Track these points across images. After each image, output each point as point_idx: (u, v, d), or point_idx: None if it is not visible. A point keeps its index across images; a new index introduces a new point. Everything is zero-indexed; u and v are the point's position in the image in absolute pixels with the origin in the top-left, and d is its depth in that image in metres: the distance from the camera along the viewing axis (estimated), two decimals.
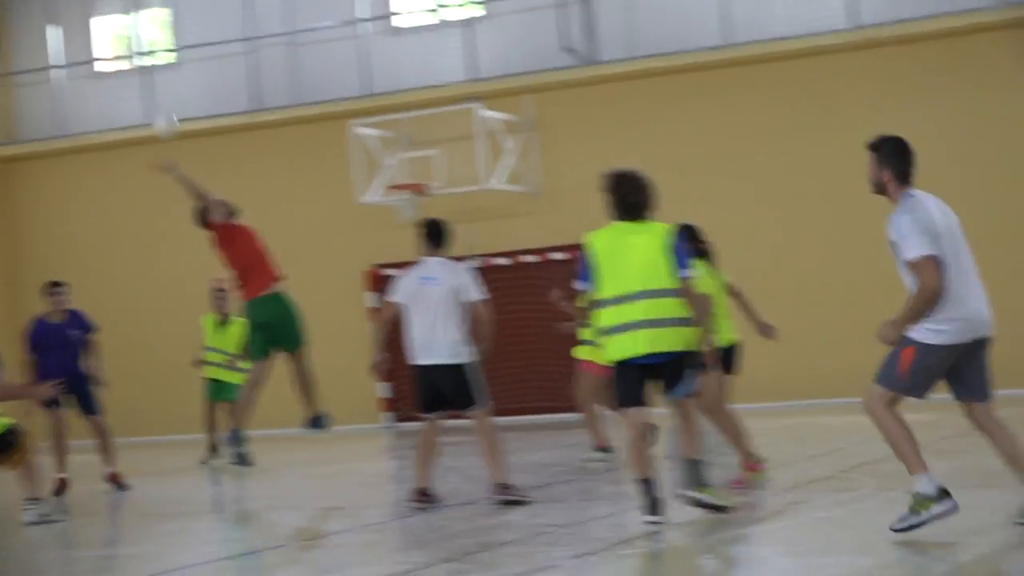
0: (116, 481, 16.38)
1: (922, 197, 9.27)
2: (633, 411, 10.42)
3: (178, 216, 26.91)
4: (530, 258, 24.27)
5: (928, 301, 8.89)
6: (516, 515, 11.63)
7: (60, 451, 16.17)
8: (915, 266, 8.93)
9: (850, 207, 23.04)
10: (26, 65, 28.27)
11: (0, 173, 28.12)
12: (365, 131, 24.22)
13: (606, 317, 10.45)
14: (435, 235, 12.71)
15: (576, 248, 24.17)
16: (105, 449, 16.49)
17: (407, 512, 12.26)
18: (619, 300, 10.40)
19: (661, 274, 10.38)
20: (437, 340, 12.30)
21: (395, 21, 26.11)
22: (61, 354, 16.24)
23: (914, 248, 8.94)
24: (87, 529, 13.19)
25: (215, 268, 15.72)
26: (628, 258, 10.47)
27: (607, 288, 10.46)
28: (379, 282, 25.45)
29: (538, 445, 17.02)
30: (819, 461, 14.21)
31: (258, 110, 26.50)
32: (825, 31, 23.17)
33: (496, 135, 23.79)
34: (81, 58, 28.06)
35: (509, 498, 12.10)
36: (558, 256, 24.42)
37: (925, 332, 8.98)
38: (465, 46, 25.24)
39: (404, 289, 12.54)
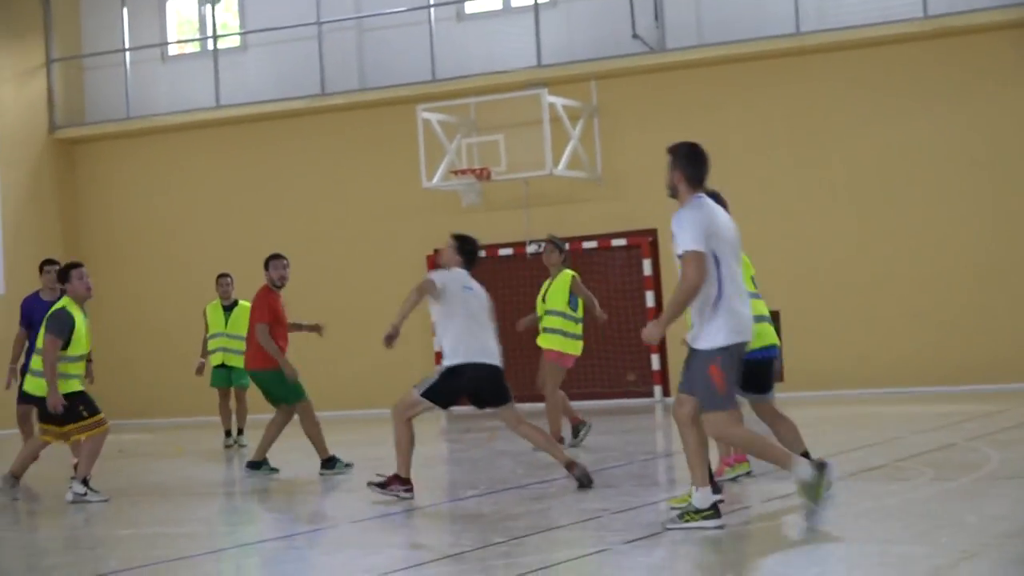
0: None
1: (709, 202, 9.66)
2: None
3: (241, 200, 27.14)
4: (591, 244, 24.23)
5: (688, 293, 9.34)
6: (568, 500, 11.62)
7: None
8: (683, 259, 9.35)
9: (910, 198, 22.88)
10: (97, 48, 28.47)
11: (67, 154, 28.34)
12: (431, 116, 24.23)
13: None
14: (473, 255, 12.72)
15: (635, 235, 24.22)
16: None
17: (460, 494, 12.27)
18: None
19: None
20: (488, 343, 12.40)
21: (461, 7, 26.10)
22: None
23: (686, 242, 9.36)
24: (134, 508, 13.22)
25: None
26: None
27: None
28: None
29: (593, 430, 16.97)
30: (874, 450, 14.10)
31: (325, 94, 26.56)
32: (895, 20, 22.96)
33: (560, 121, 23.74)
34: (153, 41, 28.23)
35: (587, 473, 12.18)
36: (619, 242, 24.36)
37: (712, 339, 9.40)
38: (532, 32, 25.19)
39: (445, 283, 12.42)
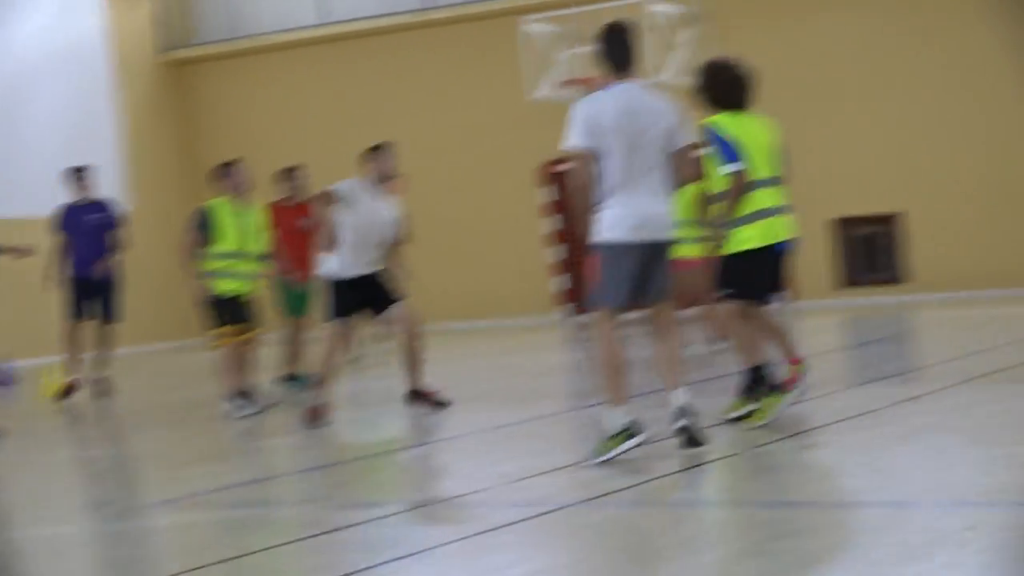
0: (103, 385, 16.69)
1: (611, 93, 9.14)
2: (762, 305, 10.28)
3: (347, 117, 27.19)
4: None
5: (575, 194, 9.04)
6: (697, 404, 11.59)
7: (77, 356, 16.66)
8: (569, 156, 9.05)
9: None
10: None
11: (178, 75, 28.56)
12: (535, 27, 24.13)
13: (762, 199, 10.06)
14: None
15: None
16: (104, 357, 16.73)
17: (582, 403, 12.29)
18: (773, 182, 10.13)
19: (780, 162, 10.24)
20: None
21: None
22: (84, 240, 16.42)
23: (569, 138, 9.01)
24: (259, 420, 13.37)
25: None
26: (760, 142, 10.15)
27: (761, 168, 10.08)
28: (552, 178, 25.49)
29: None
30: (1002, 352, 13.93)
31: (428, 8, 26.51)
32: None
33: (667, 28, 23.54)
34: None
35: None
36: None
37: (597, 234, 9.03)
38: None
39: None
